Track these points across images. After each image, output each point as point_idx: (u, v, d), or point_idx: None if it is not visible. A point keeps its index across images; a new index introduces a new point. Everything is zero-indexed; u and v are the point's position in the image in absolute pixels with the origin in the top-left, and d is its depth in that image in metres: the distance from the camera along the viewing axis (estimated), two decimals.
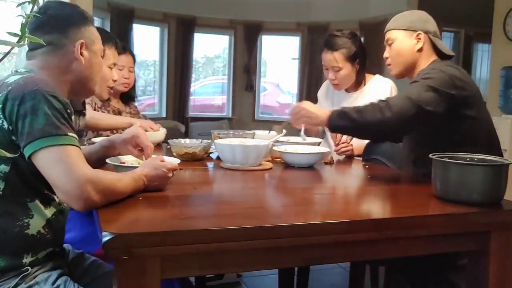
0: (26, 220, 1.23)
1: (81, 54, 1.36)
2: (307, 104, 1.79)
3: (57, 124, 1.16)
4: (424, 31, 1.84)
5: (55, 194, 1.27)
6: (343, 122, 1.62)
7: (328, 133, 2.40)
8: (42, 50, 1.33)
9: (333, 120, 1.65)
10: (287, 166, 1.97)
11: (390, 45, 1.90)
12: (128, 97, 2.76)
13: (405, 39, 1.86)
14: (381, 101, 1.62)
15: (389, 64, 1.92)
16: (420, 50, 1.83)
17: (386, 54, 1.93)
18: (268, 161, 1.98)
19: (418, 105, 1.56)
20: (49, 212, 1.28)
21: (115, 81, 2.26)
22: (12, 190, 1.21)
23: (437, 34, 1.86)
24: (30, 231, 1.23)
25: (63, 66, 1.35)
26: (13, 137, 1.17)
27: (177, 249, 1.05)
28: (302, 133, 2.36)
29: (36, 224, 1.25)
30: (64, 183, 1.14)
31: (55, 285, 1.24)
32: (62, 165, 1.14)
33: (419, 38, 1.83)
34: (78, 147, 1.20)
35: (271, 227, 1.12)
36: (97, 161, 1.55)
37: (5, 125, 1.17)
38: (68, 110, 1.22)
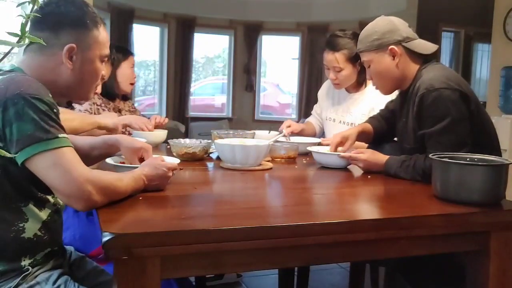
0: (21, 225, 1.21)
1: (71, 58, 1.27)
2: (366, 155, 1.80)
3: (46, 128, 1.13)
4: (395, 43, 1.75)
5: (49, 195, 1.26)
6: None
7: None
8: (32, 46, 1.27)
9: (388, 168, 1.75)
10: (288, 166, 1.97)
11: (368, 67, 1.83)
12: (125, 96, 2.79)
13: (380, 59, 1.78)
14: (420, 165, 1.64)
15: (376, 85, 1.88)
16: (399, 63, 1.76)
17: (368, 76, 1.88)
18: (268, 161, 1.98)
19: (457, 150, 1.55)
20: (44, 214, 1.26)
21: (134, 78, 2.66)
22: (4, 197, 1.19)
23: (410, 37, 1.76)
24: (26, 235, 1.22)
25: (49, 67, 1.27)
26: (1, 144, 1.14)
27: (177, 249, 1.05)
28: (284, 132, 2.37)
29: (31, 228, 1.23)
30: (63, 186, 1.13)
31: (56, 285, 1.23)
32: (59, 168, 1.12)
33: (394, 53, 1.75)
34: (71, 146, 1.18)
35: (271, 227, 1.12)
36: (98, 156, 1.54)
37: None
38: (55, 110, 1.18)
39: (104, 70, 1.39)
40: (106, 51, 1.36)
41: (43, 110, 1.14)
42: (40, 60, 1.27)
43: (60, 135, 1.16)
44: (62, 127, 1.19)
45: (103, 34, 1.33)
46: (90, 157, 1.52)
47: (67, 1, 1.30)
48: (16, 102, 1.11)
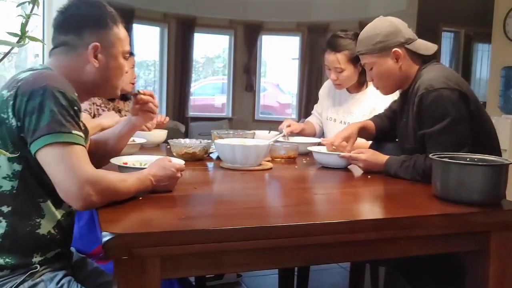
0: (38, 220, 1.24)
1: (96, 57, 1.32)
2: (366, 155, 1.80)
3: (62, 122, 1.15)
4: (398, 45, 1.73)
5: None
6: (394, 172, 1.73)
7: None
8: (58, 49, 1.33)
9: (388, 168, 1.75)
10: (288, 166, 1.97)
11: (369, 69, 1.82)
12: (125, 95, 2.79)
13: (383, 62, 1.75)
14: (420, 165, 1.64)
15: (376, 86, 1.86)
16: (402, 65, 1.75)
17: (369, 78, 1.86)
18: (268, 161, 1.98)
19: (457, 150, 1.55)
20: (59, 213, 1.28)
21: (134, 78, 2.72)
22: (25, 189, 1.21)
23: (411, 38, 1.75)
24: (41, 231, 1.24)
25: (76, 67, 1.32)
26: (22, 134, 1.17)
27: (177, 249, 1.05)
28: (283, 132, 2.37)
29: (47, 225, 1.25)
30: (64, 182, 1.14)
31: (59, 285, 1.24)
32: (64, 164, 1.14)
33: (397, 56, 1.73)
34: (83, 145, 1.19)
35: (271, 227, 1.12)
36: (119, 138, 1.60)
37: (14, 122, 1.17)
38: (75, 107, 1.20)
39: (127, 66, 1.44)
40: (128, 47, 1.41)
41: (63, 104, 1.17)
42: (66, 61, 1.32)
43: (74, 132, 1.17)
44: (79, 125, 1.21)
45: (122, 31, 1.39)
46: (109, 144, 1.59)
47: (86, 3, 1.35)
48: (40, 93, 1.16)
